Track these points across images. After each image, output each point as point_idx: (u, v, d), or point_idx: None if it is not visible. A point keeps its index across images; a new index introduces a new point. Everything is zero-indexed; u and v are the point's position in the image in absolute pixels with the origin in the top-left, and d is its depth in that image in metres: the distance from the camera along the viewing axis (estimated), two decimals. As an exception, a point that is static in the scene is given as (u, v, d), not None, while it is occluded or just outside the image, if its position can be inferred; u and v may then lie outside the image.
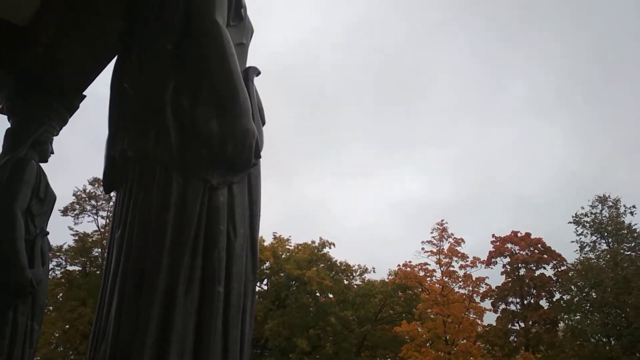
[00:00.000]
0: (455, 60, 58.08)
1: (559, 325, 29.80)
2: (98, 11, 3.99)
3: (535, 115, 57.21)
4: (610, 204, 30.52)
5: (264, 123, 2.41)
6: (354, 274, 33.71)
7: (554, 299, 30.44)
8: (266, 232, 32.56)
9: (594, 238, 30.22)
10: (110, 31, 4.09)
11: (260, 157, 2.27)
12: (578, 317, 28.25)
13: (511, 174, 54.13)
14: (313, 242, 33.06)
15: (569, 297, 29.03)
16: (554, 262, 31.46)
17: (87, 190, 30.25)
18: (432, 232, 31.80)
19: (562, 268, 31.18)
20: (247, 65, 2.49)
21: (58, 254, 28.43)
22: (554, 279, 31.16)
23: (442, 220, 32.01)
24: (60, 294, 28.16)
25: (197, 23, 2.30)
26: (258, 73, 2.44)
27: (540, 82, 57.22)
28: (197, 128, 2.15)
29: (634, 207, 29.80)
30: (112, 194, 2.50)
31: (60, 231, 28.40)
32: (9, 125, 4.66)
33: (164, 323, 1.93)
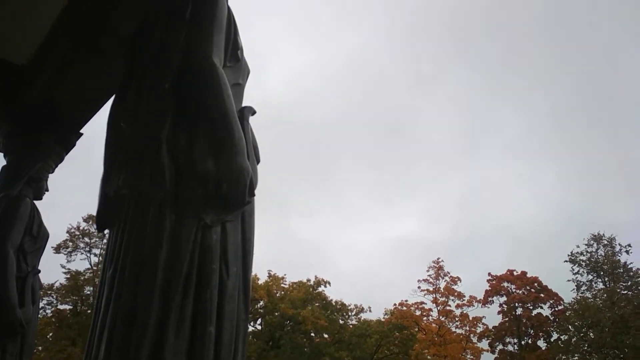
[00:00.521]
0: (446, 105, 59.65)
1: (558, 366, 29.36)
2: (97, 52, 4.06)
3: (525, 157, 58.15)
4: (606, 242, 30.57)
5: (258, 161, 2.44)
6: (350, 314, 33.30)
7: (552, 339, 30.09)
8: (260, 270, 32.33)
9: (590, 277, 30.16)
10: (108, 71, 4.16)
11: (254, 195, 2.28)
12: (576, 358, 27.90)
13: (504, 213, 54.64)
14: (308, 280, 32.79)
15: (566, 337, 28.73)
16: (551, 301, 31.24)
17: (81, 228, 30.09)
18: (428, 271, 31.68)
19: (559, 307, 30.95)
20: (243, 104, 2.53)
21: (49, 292, 28.04)
22: (551, 318, 30.87)
23: (438, 259, 31.96)
24: (50, 334, 27.64)
25: (195, 64, 2.34)
26: (253, 112, 2.48)
27: (529, 123, 58.66)
28: (193, 166, 2.16)
29: (629, 245, 29.87)
30: (106, 231, 2.50)
31: (52, 269, 28.12)
32: (4, 162, 4.67)
33: (155, 363, 1.90)
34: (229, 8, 2.70)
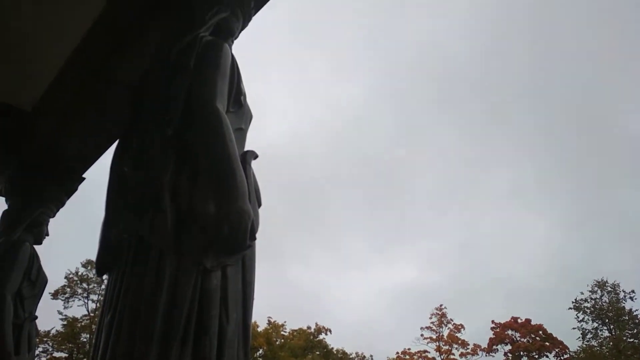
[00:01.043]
0: (439, 156, 61.42)
1: (565, 418, 28.47)
2: (101, 100, 4.13)
3: (520, 204, 59.03)
4: (609, 289, 30.17)
5: (260, 205, 2.43)
6: (351, 363, 32.55)
7: (559, 390, 29.29)
8: (260, 317, 31.82)
9: (595, 324, 29.58)
10: (112, 120, 4.23)
11: (255, 238, 2.27)
12: (585, 408, 27.06)
13: (501, 263, 54.91)
14: (309, 327, 32.21)
15: (573, 387, 27.95)
16: (557, 349, 30.56)
17: (80, 273, 29.80)
18: (430, 318, 31.15)
19: (565, 356, 30.24)
20: (246, 149, 2.55)
21: (45, 339, 27.52)
22: (557, 368, 30.15)
23: (441, 306, 31.47)
24: (45, 383, 26.96)
25: (198, 109, 2.37)
26: (255, 156, 2.49)
27: (521, 172, 60.03)
28: (194, 211, 2.16)
29: (633, 292, 29.46)
30: (105, 276, 2.47)
31: (49, 315, 27.66)
32: (6, 206, 4.68)
33: (151, 414, 1.85)
34: (232, 56, 2.76)
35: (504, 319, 32.00)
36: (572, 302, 30.15)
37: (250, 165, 2.43)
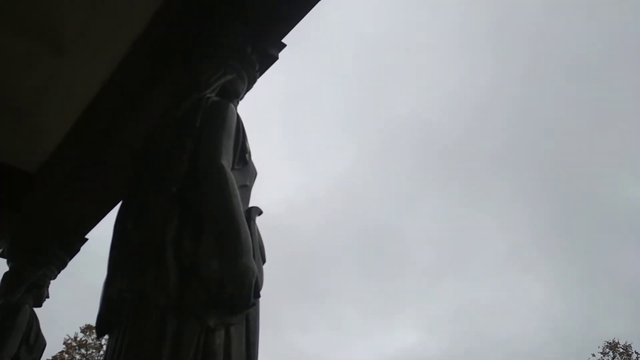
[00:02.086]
0: (432, 224, 62.80)
1: None
2: (106, 162, 4.17)
3: (516, 269, 59.42)
4: (621, 350, 29.28)
5: (264, 261, 2.41)
6: None
7: None
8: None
9: (609, 388, 28.54)
10: (116, 181, 4.25)
11: (259, 296, 2.23)
12: None
13: (502, 327, 54.27)
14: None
15: None
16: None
17: (78, 339, 29.12)
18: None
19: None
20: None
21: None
22: None
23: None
24: None
25: (204, 166, 2.39)
26: (260, 213, 2.49)
27: (515, 237, 60.90)
28: (197, 268, 2.14)
29: (646, 353, 28.55)
30: (105, 338, 2.42)
31: (45, 384, 26.80)
32: (7, 268, 4.64)
33: None
34: (238, 115, 2.81)
35: None
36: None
37: (254, 222, 2.42)
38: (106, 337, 2.34)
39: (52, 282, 4.72)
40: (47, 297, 4.58)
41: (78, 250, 4.92)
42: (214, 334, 2.04)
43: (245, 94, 3.27)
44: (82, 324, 29.26)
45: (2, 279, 4.50)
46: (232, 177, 2.37)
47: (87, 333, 28.98)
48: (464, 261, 59.03)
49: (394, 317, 58.97)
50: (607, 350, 29.47)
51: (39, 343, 4.24)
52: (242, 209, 2.30)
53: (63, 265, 4.77)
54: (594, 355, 29.76)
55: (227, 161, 2.44)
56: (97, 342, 28.85)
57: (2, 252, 4.80)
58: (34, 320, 4.27)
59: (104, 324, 2.28)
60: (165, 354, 1.96)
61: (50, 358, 27.68)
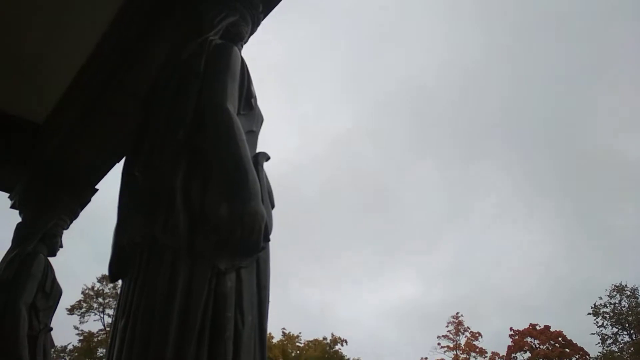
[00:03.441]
0: (430, 179, 64.42)
1: None
2: (112, 111, 4.14)
3: (516, 222, 60.28)
4: (629, 293, 29.68)
5: (273, 206, 2.40)
6: (368, 373, 32.24)
7: (580, 397, 28.77)
8: (273, 329, 31.68)
9: (615, 329, 29.09)
10: (123, 129, 4.23)
11: (269, 240, 2.23)
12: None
13: (500, 276, 55.74)
14: (324, 338, 32.00)
15: (595, 394, 27.47)
16: (577, 356, 30.05)
17: (95, 288, 29.94)
18: (447, 326, 30.81)
19: (586, 363, 29.74)
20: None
21: (62, 354, 27.60)
22: (578, 374, 29.64)
23: (457, 314, 31.13)
24: (62, 399, 27.02)
25: (209, 112, 2.36)
26: (268, 158, 2.46)
27: (514, 190, 62.69)
28: (207, 213, 2.13)
29: (653, 295, 28.93)
30: (119, 283, 2.44)
31: (65, 331, 27.77)
32: (19, 219, 4.69)
33: (168, 419, 1.81)
34: (242, 58, 2.75)
35: (502, 335, 31.74)
36: (591, 308, 29.73)
37: (262, 167, 2.40)
38: (120, 282, 2.36)
39: (66, 242, 4.77)
40: (61, 246, 4.64)
41: (89, 200, 4.96)
42: (225, 277, 2.05)
43: (249, 37, 3.19)
44: (99, 274, 30.01)
45: (16, 230, 4.56)
46: (238, 122, 2.33)
47: (104, 282, 29.75)
48: (462, 215, 60.52)
49: (396, 270, 61.04)
50: (614, 293, 29.88)
51: (55, 291, 4.32)
52: (249, 154, 2.28)
53: (75, 215, 4.81)
54: (601, 298, 30.24)
55: (232, 105, 2.40)
56: (114, 291, 29.64)
57: (14, 203, 4.85)
58: (49, 269, 4.34)
59: (116, 269, 2.30)
60: (177, 297, 1.98)
61: (70, 307, 28.55)
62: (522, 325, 31.51)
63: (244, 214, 2.09)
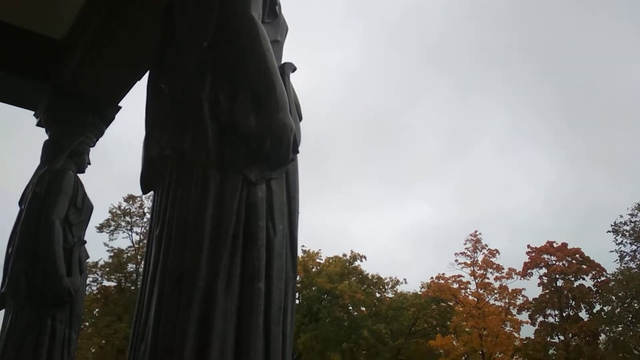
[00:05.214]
0: (435, 109, 62.64)
1: (600, 337, 28.89)
2: (133, 24, 4.04)
3: (522, 147, 60.64)
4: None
5: (301, 119, 2.37)
6: (386, 287, 33.37)
7: (594, 311, 29.54)
8: (295, 246, 32.52)
9: (634, 247, 29.33)
10: (144, 43, 4.15)
11: (298, 152, 2.22)
12: (620, 328, 27.39)
13: (508, 199, 56.32)
14: (344, 255, 32.91)
15: (609, 308, 28.20)
16: (593, 272, 30.56)
17: (122, 207, 30.82)
18: (465, 244, 31.34)
19: (602, 279, 30.26)
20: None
21: (94, 269, 28.94)
22: (594, 289, 30.26)
23: (476, 232, 31.54)
24: (97, 310, 28.60)
25: (233, 20, 2.28)
26: (294, 69, 2.40)
27: (519, 117, 61.34)
28: (235, 124, 2.12)
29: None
30: (148, 208, 2.49)
31: (96, 247, 28.95)
32: (46, 137, 4.74)
33: (204, 322, 1.89)
34: None
35: (515, 257, 32.23)
36: (611, 225, 29.89)
37: (289, 78, 2.35)
38: (151, 194, 2.40)
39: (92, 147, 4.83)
40: (89, 163, 4.71)
41: (113, 118, 4.96)
42: (255, 187, 2.07)
43: None
44: (125, 194, 30.78)
45: (43, 147, 4.62)
46: (264, 30, 2.26)
47: (130, 202, 30.58)
48: (469, 142, 60.76)
49: (405, 196, 62.13)
50: (636, 211, 29.85)
51: (86, 206, 4.44)
52: (275, 64, 2.22)
53: (100, 132, 4.84)
54: (621, 216, 30.28)
55: (257, 13, 2.31)
56: (140, 210, 30.53)
57: (39, 121, 4.89)
58: (79, 184, 4.43)
59: (147, 181, 2.33)
60: (209, 207, 2.01)
61: (99, 225, 29.57)
62: (537, 245, 31.96)
63: (272, 126, 2.07)
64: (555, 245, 31.70)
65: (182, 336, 1.87)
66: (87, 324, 27.18)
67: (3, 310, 4.13)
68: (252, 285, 1.94)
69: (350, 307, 30.70)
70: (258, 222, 2.02)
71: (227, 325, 1.89)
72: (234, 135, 2.11)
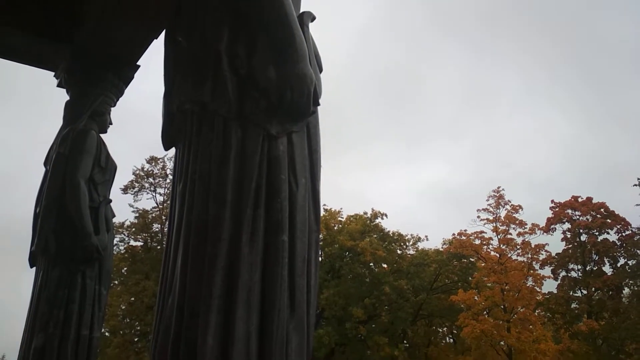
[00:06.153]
0: (450, 68, 62.13)
1: (624, 291, 28.78)
2: None
3: (538, 106, 59.53)
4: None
5: (321, 70, 2.33)
6: (407, 244, 33.52)
7: (618, 265, 29.34)
8: (316, 205, 32.72)
9: (661, 201, 28.82)
10: (160, 2, 4.09)
11: (319, 104, 2.19)
12: (644, 282, 27.21)
13: (525, 158, 55.67)
14: (365, 213, 33.01)
15: (634, 262, 27.95)
16: (618, 226, 30.19)
17: (145, 169, 31.18)
18: (487, 200, 31.14)
19: (627, 233, 29.91)
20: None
21: (120, 230, 29.54)
22: (618, 244, 29.97)
23: (499, 187, 31.24)
24: (125, 268, 29.36)
25: None
26: (313, 18, 2.34)
27: (535, 76, 60.57)
28: (254, 77, 2.08)
29: None
30: (169, 173, 2.49)
31: (121, 208, 29.47)
32: (68, 97, 4.76)
33: (230, 274, 1.91)
34: None
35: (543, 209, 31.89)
36: (638, 179, 29.35)
37: (308, 28, 2.29)
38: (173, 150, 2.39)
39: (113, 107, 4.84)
40: (111, 123, 4.73)
41: (132, 77, 4.95)
42: (276, 141, 2.06)
43: None
44: (147, 156, 31.07)
45: (65, 108, 4.65)
46: None
47: (153, 163, 30.89)
48: (485, 101, 60.25)
49: (421, 154, 61.94)
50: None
51: (110, 165, 4.48)
52: (294, 13, 2.16)
53: (120, 92, 4.84)
54: (642, 176, 29.67)
55: None
56: (163, 172, 30.87)
57: (60, 82, 4.90)
58: (101, 144, 4.46)
59: (168, 137, 2.32)
60: (231, 161, 2.00)
61: (123, 186, 30.03)
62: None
63: (292, 77, 2.04)
64: (580, 200, 31.30)
65: (208, 287, 1.89)
66: (116, 282, 27.97)
67: (34, 268, 4.24)
68: (276, 238, 1.95)
69: (372, 264, 31.00)
70: (280, 176, 2.01)
71: (252, 276, 1.91)
72: (253, 87, 2.08)
